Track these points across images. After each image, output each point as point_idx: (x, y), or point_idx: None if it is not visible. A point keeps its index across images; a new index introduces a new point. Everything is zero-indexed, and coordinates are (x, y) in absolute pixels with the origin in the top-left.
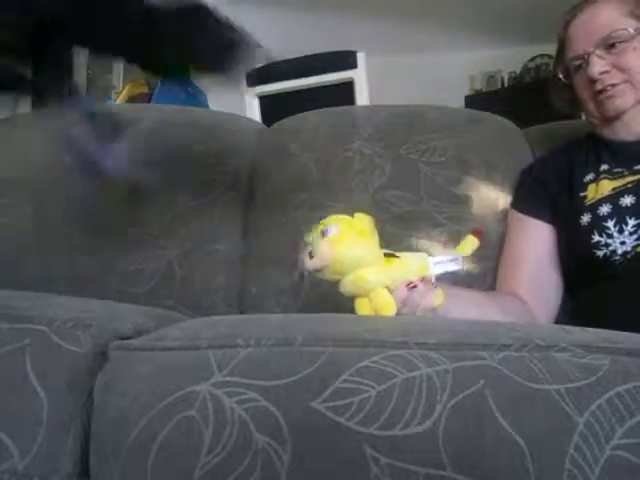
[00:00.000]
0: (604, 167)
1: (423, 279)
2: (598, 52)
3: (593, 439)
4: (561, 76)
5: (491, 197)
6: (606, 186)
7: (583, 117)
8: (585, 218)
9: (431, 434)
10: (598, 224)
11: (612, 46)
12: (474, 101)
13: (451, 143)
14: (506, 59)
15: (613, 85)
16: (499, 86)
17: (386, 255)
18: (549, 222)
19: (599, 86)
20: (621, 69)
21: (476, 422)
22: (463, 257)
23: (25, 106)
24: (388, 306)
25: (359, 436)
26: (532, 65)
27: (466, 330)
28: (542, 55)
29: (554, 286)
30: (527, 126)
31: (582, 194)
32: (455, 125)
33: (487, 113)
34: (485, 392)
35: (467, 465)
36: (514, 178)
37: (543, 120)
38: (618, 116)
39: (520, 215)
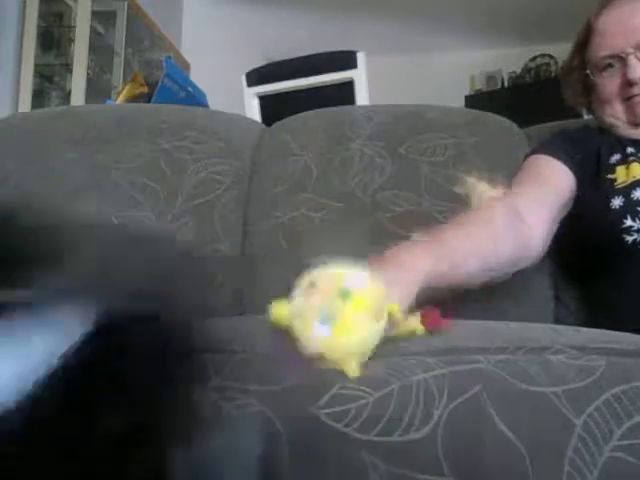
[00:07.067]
0: (631, 150)
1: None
2: (639, 54)
3: (591, 441)
4: (588, 72)
5: (492, 197)
6: (638, 169)
7: (585, 117)
8: (616, 202)
9: (429, 440)
10: (632, 208)
11: None
12: (474, 101)
13: (451, 143)
14: (506, 59)
15: None
16: (499, 86)
17: None
18: (574, 175)
19: (637, 90)
20: None
21: (474, 426)
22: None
23: (25, 106)
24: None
25: (358, 442)
26: (532, 65)
27: (461, 334)
28: (542, 55)
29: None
30: (527, 126)
31: (611, 176)
32: (455, 125)
33: (487, 113)
34: (482, 396)
35: (466, 470)
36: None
37: (543, 120)
38: None
39: (548, 157)
